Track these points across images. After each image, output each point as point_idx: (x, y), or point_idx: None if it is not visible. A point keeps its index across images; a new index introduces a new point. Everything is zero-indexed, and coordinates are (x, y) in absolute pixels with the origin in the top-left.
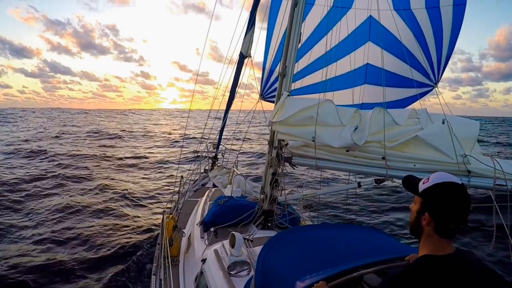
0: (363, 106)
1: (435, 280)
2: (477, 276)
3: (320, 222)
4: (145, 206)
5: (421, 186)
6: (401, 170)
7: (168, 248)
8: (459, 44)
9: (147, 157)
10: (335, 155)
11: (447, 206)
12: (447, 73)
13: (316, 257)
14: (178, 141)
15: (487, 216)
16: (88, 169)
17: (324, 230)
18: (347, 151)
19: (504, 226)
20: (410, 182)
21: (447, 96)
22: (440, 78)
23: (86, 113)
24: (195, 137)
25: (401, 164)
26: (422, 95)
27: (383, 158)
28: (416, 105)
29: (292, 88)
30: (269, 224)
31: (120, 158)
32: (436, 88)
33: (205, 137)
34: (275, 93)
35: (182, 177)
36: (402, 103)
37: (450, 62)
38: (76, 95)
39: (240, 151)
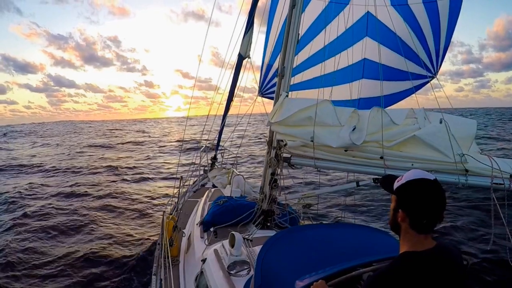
0: (361, 100)
1: (416, 276)
2: (460, 268)
3: (319, 222)
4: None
5: (395, 184)
6: (399, 170)
7: (168, 248)
8: (459, 36)
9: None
10: (334, 155)
11: (418, 201)
12: (448, 66)
13: (315, 256)
14: (191, 147)
15: (487, 215)
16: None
17: (323, 229)
18: (346, 151)
19: (506, 227)
20: (387, 181)
21: (449, 89)
22: (439, 69)
23: (100, 125)
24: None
25: (399, 163)
26: (421, 86)
27: (381, 157)
28: (414, 100)
29: (291, 83)
30: (269, 224)
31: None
32: (436, 78)
33: (205, 139)
34: (274, 89)
35: (181, 177)
36: (401, 95)
37: (450, 55)
38: (82, 108)
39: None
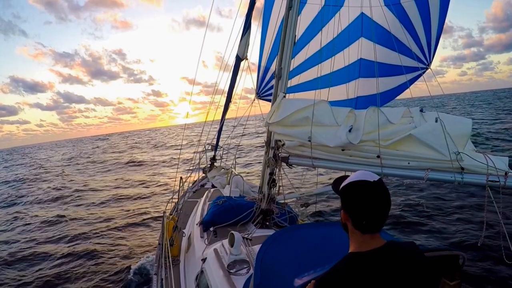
0: (359, 99)
1: (359, 277)
2: (414, 266)
3: (317, 221)
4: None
5: (341, 186)
6: (395, 168)
7: (169, 248)
8: (458, 20)
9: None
10: (331, 154)
11: (356, 203)
12: (449, 51)
13: (313, 254)
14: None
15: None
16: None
17: (321, 228)
18: (343, 150)
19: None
20: (337, 183)
21: (452, 74)
22: (432, 59)
23: (124, 138)
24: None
25: (396, 162)
26: (417, 78)
27: (378, 156)
28: (414, 89)
29: (288, 86)
30: (267, 223)
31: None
32: (430, 69)
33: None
34: (271, 91)
35: (181, 178)
36: (398, 90)
37: (451, 40)
38: (93, 122)
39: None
